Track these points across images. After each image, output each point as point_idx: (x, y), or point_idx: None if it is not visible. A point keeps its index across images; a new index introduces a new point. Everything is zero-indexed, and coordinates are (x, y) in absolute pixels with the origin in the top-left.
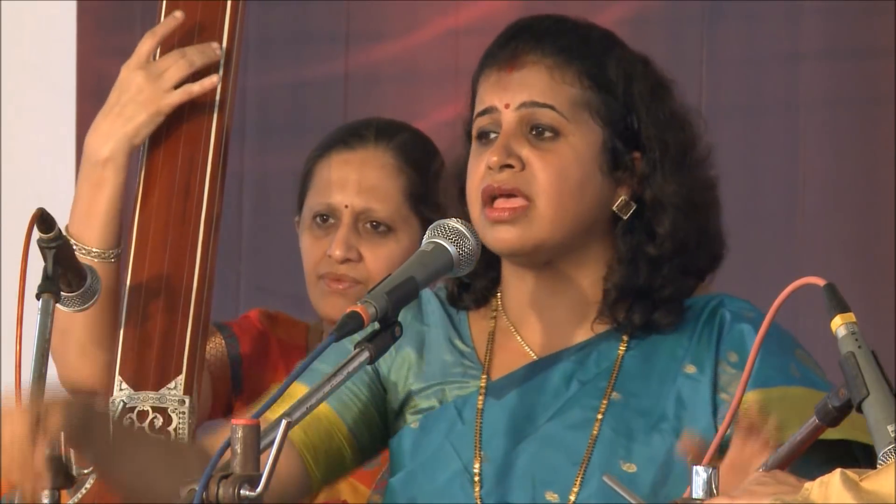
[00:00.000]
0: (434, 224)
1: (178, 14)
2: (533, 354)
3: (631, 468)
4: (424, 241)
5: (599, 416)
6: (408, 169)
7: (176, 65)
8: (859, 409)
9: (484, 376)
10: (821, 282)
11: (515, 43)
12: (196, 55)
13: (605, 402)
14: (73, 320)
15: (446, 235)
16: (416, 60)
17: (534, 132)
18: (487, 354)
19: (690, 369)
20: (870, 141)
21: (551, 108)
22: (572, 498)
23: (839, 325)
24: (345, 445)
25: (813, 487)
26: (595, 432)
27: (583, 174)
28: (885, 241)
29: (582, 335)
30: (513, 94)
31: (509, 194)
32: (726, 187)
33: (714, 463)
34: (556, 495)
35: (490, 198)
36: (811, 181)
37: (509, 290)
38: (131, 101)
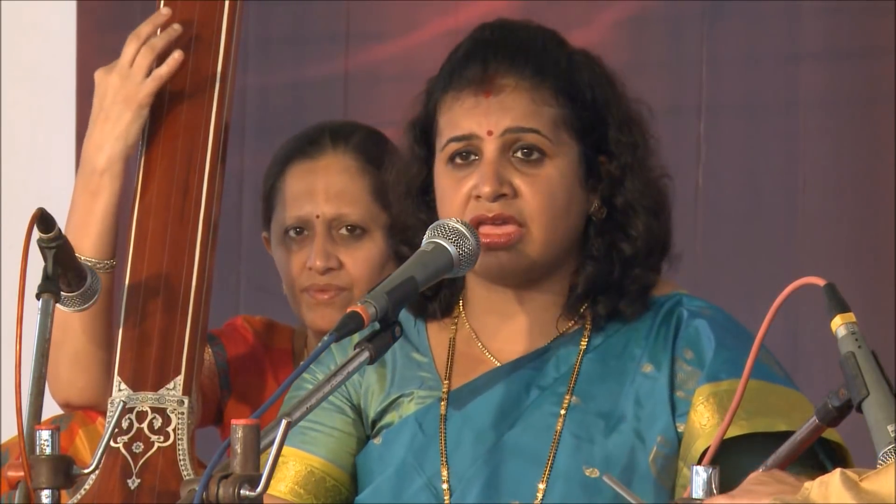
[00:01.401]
0: (434, 224)
1: (165, 10)
2: (495, 361)
3: (594, 472)
4: (424, 241)
5: (560, 422)
6: (370, 168)
7: (140, 54)
8: (859, 409)
9: (445, 383)
10: (821, 282)
11: (486, 64)
12: (156, 38)
13: (564, 407)
14: (65, 333)
15: (446, 235)
16: (416, 60)
17: (518, 154)
18: (448, 362)
19: (647, 368)
20: (870, 141)
21: (536, 131)
22: None
23: (839, 325)
24: (343, 487)
25: (812, 487)
26: (556, 438)
27: (568, 193)
28: (885, 241)
29: (543, 340)
30: (495, 121)
31: (505, 221)
32: (726, 187)
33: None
34: None
35: (477, 224)
36: (811, 181)
37: (474, 299)
38: (113, 102)
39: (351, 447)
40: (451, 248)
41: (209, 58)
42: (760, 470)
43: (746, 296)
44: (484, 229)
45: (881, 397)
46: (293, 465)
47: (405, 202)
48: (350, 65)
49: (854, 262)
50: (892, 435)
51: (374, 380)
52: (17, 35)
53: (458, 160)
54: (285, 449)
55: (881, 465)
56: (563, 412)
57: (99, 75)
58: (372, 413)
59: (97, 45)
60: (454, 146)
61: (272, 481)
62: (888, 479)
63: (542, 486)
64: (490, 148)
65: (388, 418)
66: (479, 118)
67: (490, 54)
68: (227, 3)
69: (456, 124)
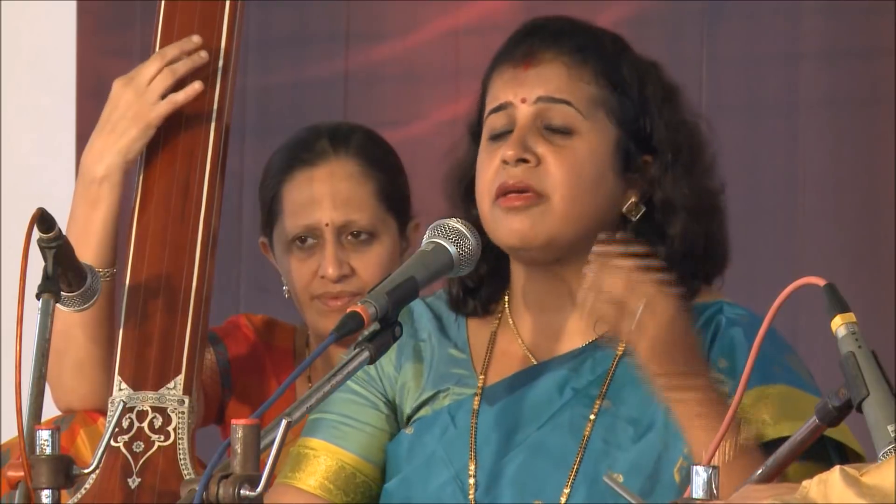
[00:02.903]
0: (434, 224)
1: (196, 38)
2: (532, 358)
3: (618, 478)
4: (424, 240)
5: (589, 425)
6: (373, 171)
7: (160, 76)
8: (859, 409)
9: (481, 378)
10: (821, 282)
11: (531, 41)
12: (179, 63)
13: (595, 410)
14: (67, 342)
15: (446, 235)
16: (416, 60)
17: (549, 128)
18: (486, 357)
19: None
20: (870, 141)
21: (568, 103)
22: None
23: (839, 325)
24: (373, 483)
25: (811, 486)
26: (584, 441)
27: (597, 172)
28: (885, 241)
29: (581, 338)
30: (529, 89)
31: (523, 190)
32: (726, 187)
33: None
34: None
35: (503, 193)
36: (811, 181)
37: (517, 290)
38: (122, 116)
39: (383, 443)
40: (451, 247)
41: (210, 59)
42: (760, 470)
43: (746, 296)
44: (509, 196)
45: (881, 397)
46: (324, 460)
47: (456, 194)
48: (350, 65)
49: (854, 262)
50: (893, 435)
51: (411, 376)
52: (17, 35)
53: (497, 136)
54: (318, 443)
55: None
56: (593, 417)
57: (117, 85)
58: (408, 409)
59: (97, 44)
60: (492, 118)
61: (302, 474)
62: (889, 473)
63: (566, 490)
64: (522, 115)
65: (422, 412)
66: (515, 88)
67: (536, 33)
68: (227, 4)
69: (495, 97)
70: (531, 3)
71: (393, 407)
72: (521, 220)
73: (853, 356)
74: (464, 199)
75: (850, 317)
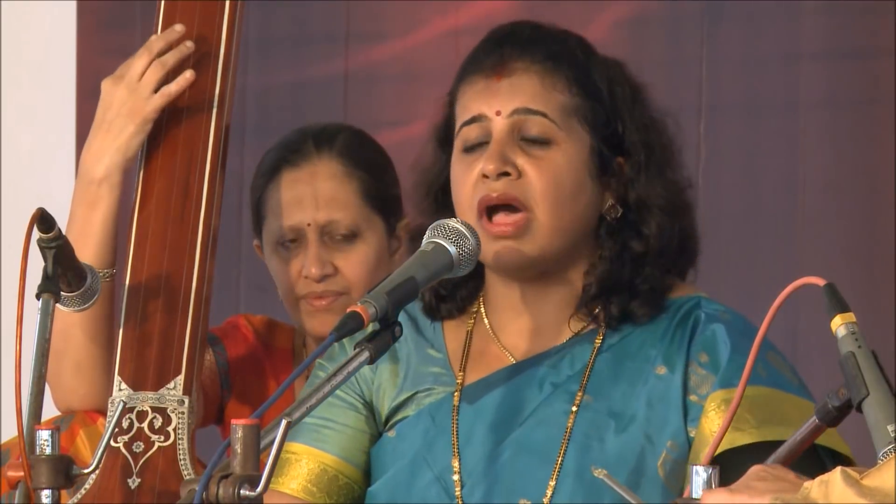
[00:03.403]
0: (434, 224)
1: (179, 27)
2: (511, 358)
3: (602, 472)
4: (424, 241)
5: (571, 420)
6: (357, 171)
7: (151, 69)
8: (859, 409)
9: (460, 374)
10: (821, 282)
11: (501, 50)
12: (168, 55)
13: (576, 404)
14: (67, 342)
15: (446, 235)
16: (416, 60)
17: (525, 139)
18: (463, 358)
19: (661, 370)
20: (870, 141)
21: (543, 115)
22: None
23: (839, 325)
24: (355, 484)
25: (812, 486)
26: (567, 436)
27: (576, 181)
28: (884, 241)
29: (559, 338)
30: (504, 101)
31: (509, 206)
32: (726, 187)
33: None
34: (529, 502)
35: (487, 209)
36: (811, 181)
37: (494, 296)
38: (117, 114)
39: (363, 444)
40: (451, 248)
41: (210, 59)
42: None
43: (746, 296)
44: (497, 218)
45: (881, 397)
46: (306, 463)
47: (425, 203)
48: (350, 65)
49: (854, 262)
50: (893, 435)
51: (386, 376)
52: (17, 35)
53: (472, 148)
54: (299, 447)
55: (881, 462)
56: (574, 410)
57: (106, 85)
58: (385, 409)
59: (97, 44)
60: (466, 130)
61: (285, 478)
62: (889, 474)
63: (551, 483)
64: (498, 128)
65: (403, 413)
66: (489, 100)
67: (506, 41)
68: (227, 4)
69: (467, 108)
70: (531, 3)
71: (371, 408)
72: (511, 245)
73: (853, 356)
74: (435, 209)
75: (850, 317)
